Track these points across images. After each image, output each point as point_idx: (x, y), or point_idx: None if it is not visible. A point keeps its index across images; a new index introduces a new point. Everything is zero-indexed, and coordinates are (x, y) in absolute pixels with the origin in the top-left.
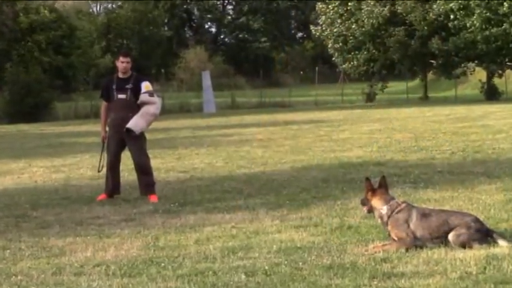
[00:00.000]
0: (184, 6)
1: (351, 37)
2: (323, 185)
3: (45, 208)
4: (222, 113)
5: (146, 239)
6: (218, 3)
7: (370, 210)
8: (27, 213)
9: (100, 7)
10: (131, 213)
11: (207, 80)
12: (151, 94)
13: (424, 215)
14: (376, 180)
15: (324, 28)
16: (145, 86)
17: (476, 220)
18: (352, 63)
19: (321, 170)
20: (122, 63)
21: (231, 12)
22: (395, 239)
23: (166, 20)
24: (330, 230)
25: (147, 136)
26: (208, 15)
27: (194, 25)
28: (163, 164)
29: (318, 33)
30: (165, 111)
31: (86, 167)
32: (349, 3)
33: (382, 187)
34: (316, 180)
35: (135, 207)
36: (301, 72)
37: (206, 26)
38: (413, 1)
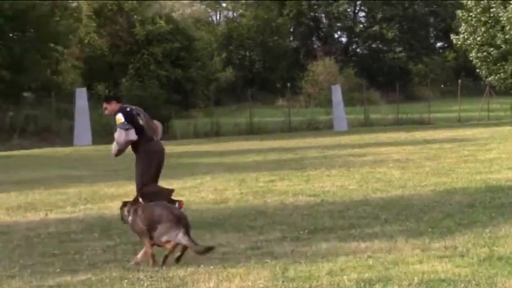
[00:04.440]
0: (312, 14)
1: (495, 47)
2: (469, 211)
3: None
4: (354, 130)
5: (274, 269)
6: (349, 10)
7: None
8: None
9: (220, 16)
10: (257, 241)
11: (337, 95)
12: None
13: None
14: None
15: (465, 37)
16: (116, 119)
17: None
18: (498, 75)
19: (465, 194)
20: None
21: (362, 20)
22: None
23: (292, 29)
24: (478, 261)
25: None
26: (338, 24)
27: (322, 34)
28: (291, 187)
29: (459, 43)
30: (292, 129)
31: (207, 190)
32: (492, 9)
33: None
34: (460, 205)
35: (261, 234)
36: (442, 86)
37: (336, 36)
38: None
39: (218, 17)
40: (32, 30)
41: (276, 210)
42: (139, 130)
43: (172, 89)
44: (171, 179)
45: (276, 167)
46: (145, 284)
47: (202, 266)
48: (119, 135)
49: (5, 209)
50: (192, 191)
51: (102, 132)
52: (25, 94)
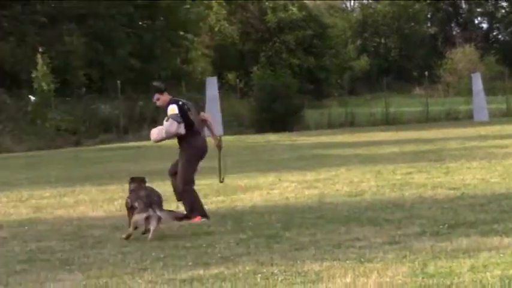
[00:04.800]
0: None
1: None
2: None
3: (299, 228)
4: (495, 121)
5: (413, 264)
6: None
7: None
8: (278, 233)
9: (354, 2)
10: (395, 235)
11: (477, 84)
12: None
13: None
14: None
15: None
16: (170, 109)
17: None
18: None
19: None
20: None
21: (504, 4)
22: None
23: (429, 15)
24: None
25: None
26: (478, 9)
27: (462, 20)
28: (430, 180)
29: None
30: (430, 119)
31: (342, 183)
32: None
33: None
34: None
35: (399, 228)
36: None
37: (476, 22)
38: None
39: (352, 3)
40: (162, 18)
41: (414, 203)
42: (189, 125)
43: (305, 78)
44: (303, 170)
45: (413, 159)
46: (280, 279)
47: (338, 260)
48: (170, 126)
49: None
50: (326, 183)
51: (233, 123)
52: (155, 83)
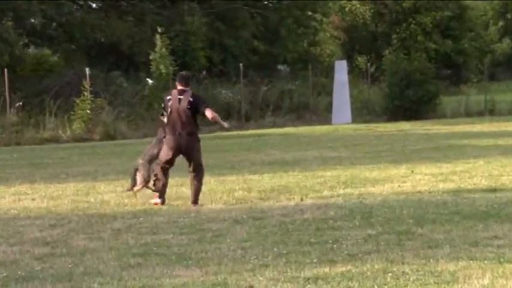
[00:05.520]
0: None
1: None
2: None
3: (432, 224)
4: None
5: None
6: None
7: None
8: (411, 229)
9: None
10: None
11: None
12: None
13: None
14: None
15: None
16: None
17: None
18: None
19: None
20: None
21: None
22: None
23: None
24: None
25: None
26: None
27: None
28: None
29: None
30: None
31: (480, 176)
32: None
33: None
34: None
35: None
36: None
37: None
38: None
39: None
40: None
41: None
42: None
43: (441, 62)
44: (438, 162)
45: None
46: (412, 279)
47: (474, 260)
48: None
49: (258, 192)
50: (462, 176)
51: (363, 110)
52: (280, 67)
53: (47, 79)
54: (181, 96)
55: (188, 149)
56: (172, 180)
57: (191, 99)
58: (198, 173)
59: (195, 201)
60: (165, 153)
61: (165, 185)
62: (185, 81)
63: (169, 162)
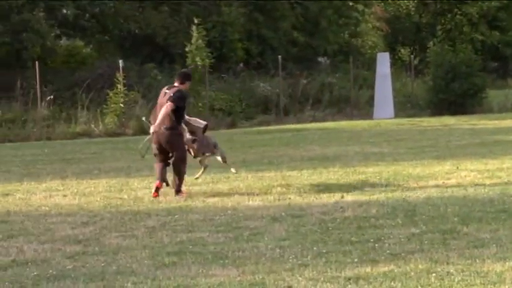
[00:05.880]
0: None
1: None
2: None
3: (478, 223)
4: None
5: None
6: None
7: None
8: (456, 228)
9: None
10: None
11: None
12: None
13: None
14: None
15: None
16: None
17: None
18: None
19: None
20: None
21: None
22: None
23: None
24: None
25: None
26: None
27: None
28: None
29: None
30: None
31: None
32: None
33: None
34: None
35: None
36: None
37: None
38: None
39: None
40: None
41: None
42: None
43: (488, 54)
44: (484, 158)
45: None
46: (456, 279)
47: None
48: None
49: (297, 188)
50: (510, 173)
51: (407, 104)
52: (320, 59)
53: (79, 71)
54: (168, 91)
55: (167, 144)
56: (208, 176)
57: (171, 94)
58: (175, 167)
59: (177, 190)
60: (153, 147)
61: (161, 172)
62: (179, 79)
63: (160, 154)
